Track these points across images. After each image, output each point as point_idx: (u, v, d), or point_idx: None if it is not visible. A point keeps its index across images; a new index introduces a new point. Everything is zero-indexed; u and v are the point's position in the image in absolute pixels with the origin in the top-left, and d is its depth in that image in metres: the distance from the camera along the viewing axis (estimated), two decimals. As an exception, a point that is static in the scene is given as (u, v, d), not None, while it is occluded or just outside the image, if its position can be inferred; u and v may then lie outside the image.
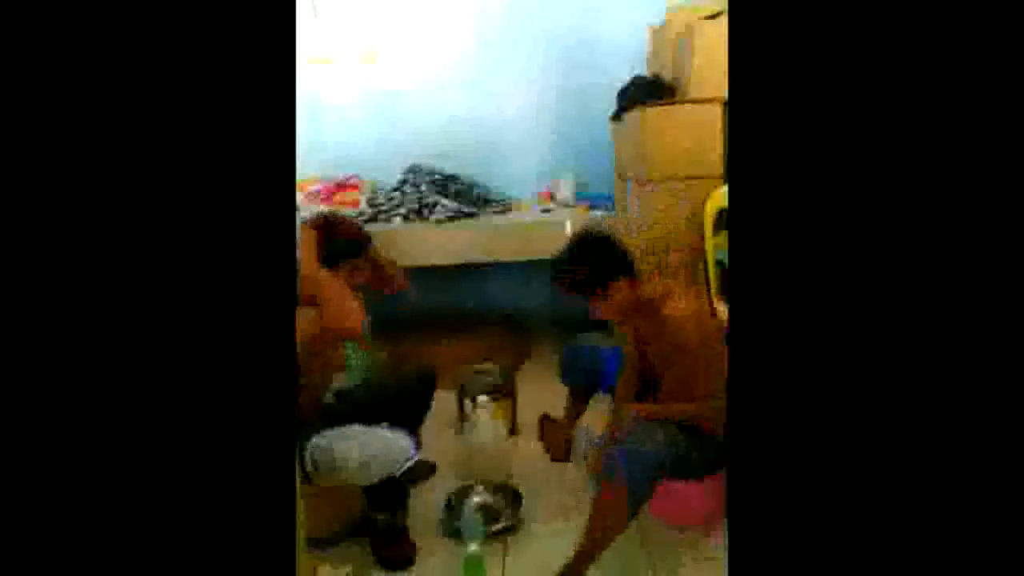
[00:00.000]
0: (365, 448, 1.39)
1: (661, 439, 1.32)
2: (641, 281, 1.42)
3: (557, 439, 1.82)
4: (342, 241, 1.55)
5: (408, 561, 1.51)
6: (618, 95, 2.26)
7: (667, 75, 2.15)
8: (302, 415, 1.45)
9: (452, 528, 1.61)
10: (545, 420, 1.92)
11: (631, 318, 1.46)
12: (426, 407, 1.81)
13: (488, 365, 2.17)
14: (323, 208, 2.68)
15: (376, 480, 1.41)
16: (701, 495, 1.60)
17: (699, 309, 1.40)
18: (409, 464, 1.44)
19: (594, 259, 1.41)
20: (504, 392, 2.08)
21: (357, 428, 1.46)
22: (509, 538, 1.59)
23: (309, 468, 1.40)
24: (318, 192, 2.79)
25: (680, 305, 1.36)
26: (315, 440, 1.42)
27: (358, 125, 2.98)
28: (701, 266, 1.84)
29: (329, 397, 1.66)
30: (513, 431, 2.08)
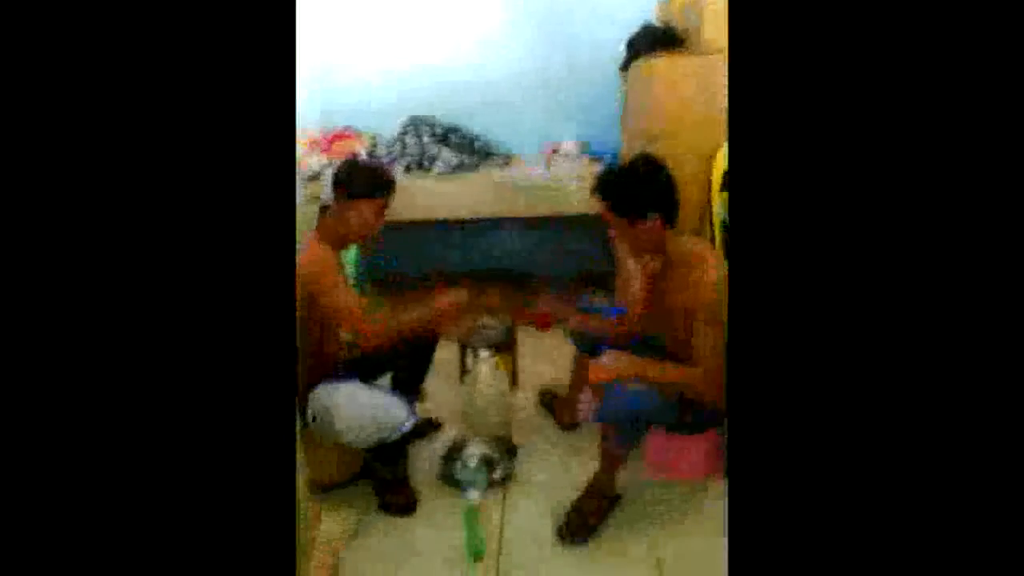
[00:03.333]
0: (363, 413, 1.39)
1: (646, 402, 1.29)
2: (672, 229, 1.34)
3: (564, 407, 1.86)
4: (367, 177, 1.49)
5: (409, 508, 1.55)
6: (627, 44, 2.17)
7: (677, 24, 2.07)
8: (313, 365, 1.46)
9: (450, 477, 1.65)
10: (547, 395, 1.96)
11: (650, 260, 1.40)
12: (428, 360, 1.82)
13: (489, 320, 2.17)
14: (323, 159, 2.64)
15: (370, 444, 1.42)
16: (700, 450, 1.62)
17: (721, 275, 1.28)
18: (404, 431, 1.44)
19: (644, 181, 1.32)
20: (505, 346, 2.09)
21: (359, 388, 1.45)
22: (507, 488, 1.63)
23: (309, 420, 1.42)
24: (317, 142, 2.74)
25: (709, 270, 1.27)
26: (317, 391, 1.43)
27: (359, 75, 2.89)
28: (707, 224, 1.81)
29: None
30: (514, 384, 2.11)
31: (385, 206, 1.50)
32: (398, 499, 1.56)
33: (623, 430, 1.37)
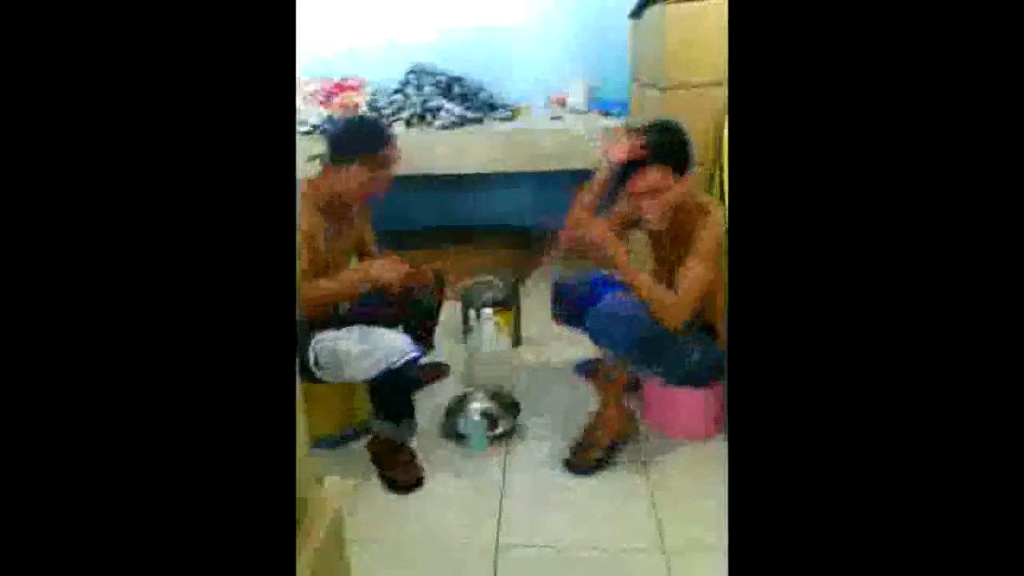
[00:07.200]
0: (365, 342, 1.39)
1: (626, 307, 1.40)
2: (683, 185, 1.40)
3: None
4: (355, 134, 1.50)
5: (414, 484, 1.49)
6: (639, -11, 2.07)
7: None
8: (316, 318, 1.45)
9: (452, 432, 1.67)
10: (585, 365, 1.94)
11: (658, 212, 1.42)
12: (434, 322, 1.81)
13: (492, 278, 2.15)
14: (322, 111, 2.56)
15: (376, 373, 1.39)
16: (698, 410, 1.63)
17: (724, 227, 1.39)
18: (408, 359, 1.40)
19: (662, 139, 1.38)
20: (507, 305, 2.07)
21: (361, 327, 1.45)
22: (508, 442, 1.64)
23: (312, 365, 1.41)
24: (317, 92, 2.65)
25: (713, 218, 1.38)
26: (319, 337, 1.42)
27: (361, 24, 2.79)
28: (716, 181, 1.76)
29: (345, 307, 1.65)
30: (516, 343, 2.10)
31: (378, 169, 1.46)
32: (402, 474, 1.51)
33: (612, 336, 1.42)
